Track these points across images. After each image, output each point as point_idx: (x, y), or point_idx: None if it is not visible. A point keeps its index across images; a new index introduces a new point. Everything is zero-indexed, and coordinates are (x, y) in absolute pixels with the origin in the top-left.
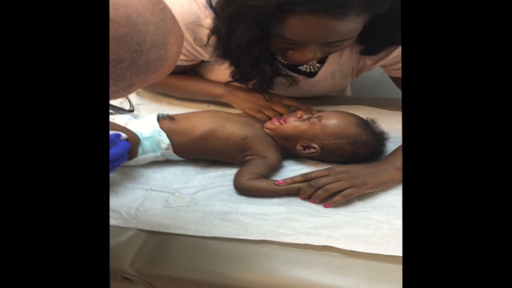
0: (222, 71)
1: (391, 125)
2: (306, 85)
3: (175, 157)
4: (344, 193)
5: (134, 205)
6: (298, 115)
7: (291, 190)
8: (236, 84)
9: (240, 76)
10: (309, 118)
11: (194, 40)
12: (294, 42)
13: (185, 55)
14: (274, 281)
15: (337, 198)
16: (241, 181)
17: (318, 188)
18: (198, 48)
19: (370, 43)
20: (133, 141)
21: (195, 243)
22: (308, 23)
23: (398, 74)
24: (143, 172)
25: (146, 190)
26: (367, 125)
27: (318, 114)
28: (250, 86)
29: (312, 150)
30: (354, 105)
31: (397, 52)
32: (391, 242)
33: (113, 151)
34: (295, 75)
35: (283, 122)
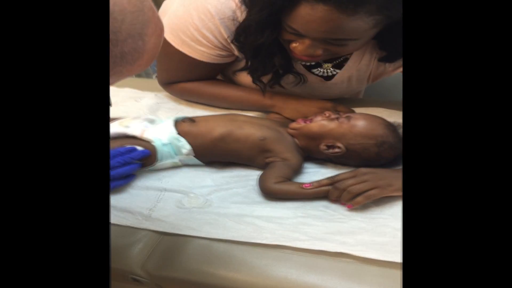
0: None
1: None
2: (321, 87)
3: (194, 161)
4: (367, 193)
5: (148, 206)
6: (326, 114)
7: (320, 193)
8: (286, 92)
9: (252, 66)
10: (337, 118)
11: (228, 36)
12: (297, 33)
13: (222, 50)
14: (287, 286)
15: (359, 198)
16: (268, 185)
17: (344, 190)
18: (232, 45)
19: (390, 50)
20: (150, 151)
21: (208, 245)
22: (316, 14)
23: None
24: (158, 172)
25: (160, 191)
26: (395, 128)
27: (347, 114)
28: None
29: (337, 150)
30: (372, 107)
31: None
32: None
33: (122, 170)
34: (312, 76)
35: (309, 122)
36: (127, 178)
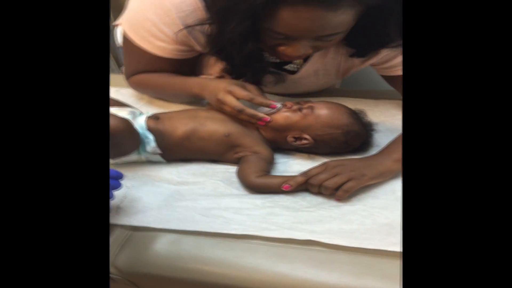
0: (219, 67)
1: (376, 116)
2: (289, 82)
3: (157, 158)
4: (345, 187)
5: (115, 203)
6: (288, 105)
7: (301, 188)
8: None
9: (233, 71)
10: (300, 109)
11: (187, 30)
12: (286, 36)
13: (181, 45)
14: (257, 276)
15: (340, 193)
16: (251, 179)
17: (320, 186)
18: (191, 39)
19: (359, 46)
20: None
21: (177, 240)
22: (301, 15)
23: (388, 72)
24: (122, 169)
25: (127, 187)
26: (358, 116)
27: (309, 104)
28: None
29: (304, 141)
30: (338, 97)
31: (386, 51)
32: (375, 236)
33: None
34: (281, 72)
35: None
36: None
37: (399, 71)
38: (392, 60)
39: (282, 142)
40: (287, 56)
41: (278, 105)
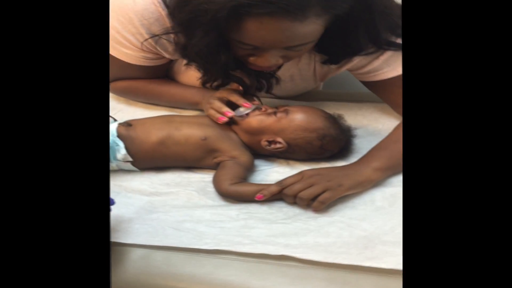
0: (193, 73)
1: (358, 121)
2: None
3: (129, 167)
4: (320, 198)
5: None
6: (263, 109)
7: (275, 198)
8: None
9: (212, 82)
10: (275, 113)
11: (153, 38)
12: (254, 47)
13: (147, 52)
14: None
15: (315, 204)
16: (224, 187)
17: (295, 196)
18: (157, 47)
19: (331, 54)
20: None
21: (146, 255)
22: (267, 27)
23: (365, 78)
24: None
25: None
26: (335, 120)
27: (284, 108)
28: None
29: (278, 145)
30: (319, 101)
31: (359, 58)
32: (352, 251)
33: None
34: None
35: (246, 116)
36: None
37: (374, 77)
38: (366, 67)
39: (256, 147)
40: (259, 66)
41: (252, 106)
